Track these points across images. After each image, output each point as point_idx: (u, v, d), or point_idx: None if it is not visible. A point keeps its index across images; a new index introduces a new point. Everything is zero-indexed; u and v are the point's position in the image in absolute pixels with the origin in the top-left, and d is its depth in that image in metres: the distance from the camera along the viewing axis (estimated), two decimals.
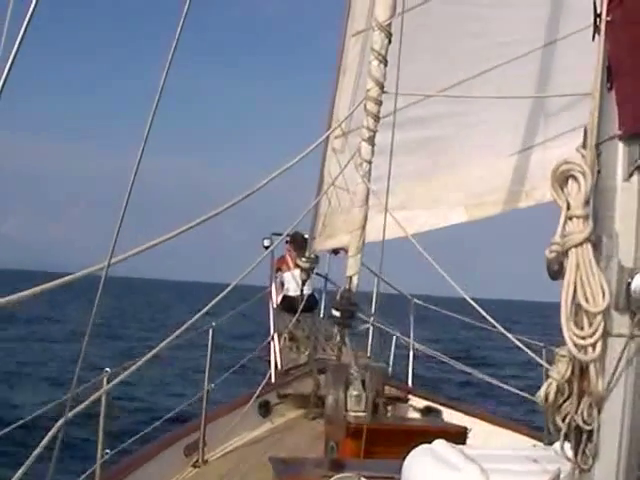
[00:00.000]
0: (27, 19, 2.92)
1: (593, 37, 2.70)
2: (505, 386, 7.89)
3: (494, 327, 5.78)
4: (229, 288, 5.90)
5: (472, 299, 5.87)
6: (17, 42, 2.88)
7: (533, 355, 5.63)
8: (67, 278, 3.91)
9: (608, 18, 2.65)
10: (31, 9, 2.93)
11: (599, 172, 2.65)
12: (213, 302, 5.64)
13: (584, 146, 2.67)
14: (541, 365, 5.46)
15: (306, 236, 11.93)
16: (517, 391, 7.44)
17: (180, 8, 3.71)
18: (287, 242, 13.05)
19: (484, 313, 5.75)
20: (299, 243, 12.49)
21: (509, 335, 5.68)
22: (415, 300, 11.48)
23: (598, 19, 2.68)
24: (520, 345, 5.70)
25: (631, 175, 2.60)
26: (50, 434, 4.06)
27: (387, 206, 6.97)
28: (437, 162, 9.01)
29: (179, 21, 3.66)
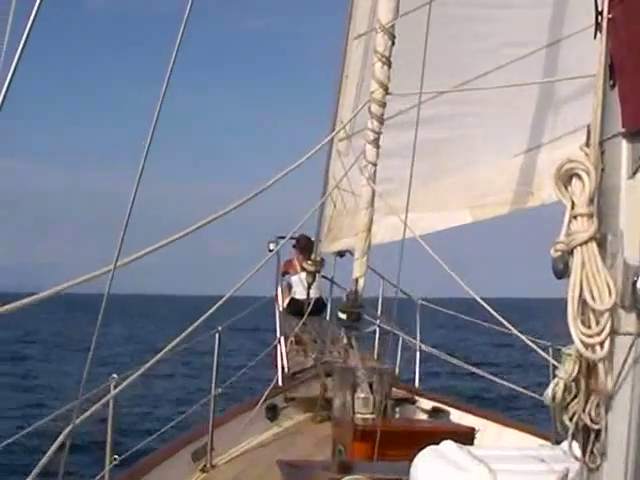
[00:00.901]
0: (27, 32, 2.93)
1: (595, 35, 2.70)
2: (512, 385, 7.86)
3: (504, 327, 5.78)
4: (236, 288, 5.90)
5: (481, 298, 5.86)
6: (17, 54, 2.89)
7: (542, 353, 5.62)
8: (75, 281, 3.92)
9: (609, 16, 2.65)
10: (30, 21, 2.94)
11: (603, 170, 2.64)
12: (220, 303, 5.64)
13: (587, 144, 2.66)
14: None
15: (312, 238, 11.95)
16: (524, 391, 7.42)
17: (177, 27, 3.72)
18: (294, 246, 13.06)
19: (493, 312, 5.75)
20: (304, 245, 12.50)
21: (518, 333, 5.67)
22: (421, 301, 11.48)
23: (600, 17, 2.68)
24: (530, 343, 5.68)
25: (635, 172, 2.60)
26: (58, 441, 4.06)
27: (408, 207, 6.94)
28: (441, 163, 9.01)
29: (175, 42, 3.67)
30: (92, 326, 3.69)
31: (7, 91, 2.87)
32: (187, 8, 3.71)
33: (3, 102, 2.87)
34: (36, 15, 2.96)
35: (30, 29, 2.95)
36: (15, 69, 2.89)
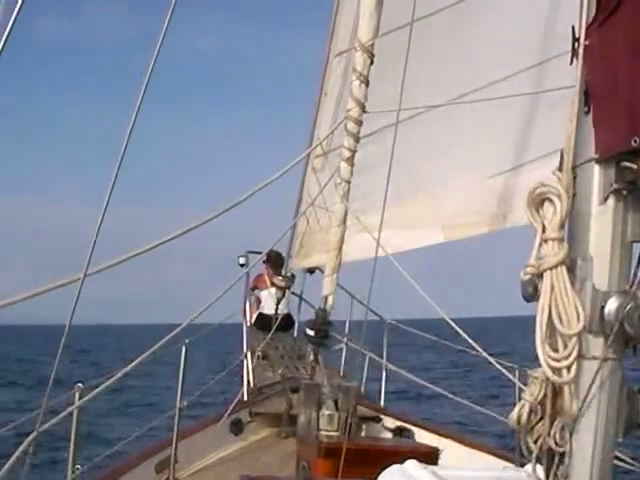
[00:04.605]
0: None
1: (571, 61, 2.73)
2: (476, 407, 7.89)
3: (472, 348, 5.80)
4: (211, 303, 5.87)
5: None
6: None
7: (508, 374, 5.63)
8: (43, 288, 3.90)
9: (586, 43, 2.67)
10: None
11: (575, 195, 2.66)
12: (188, 321, 5.63)
13: (560, 169, 2.68)
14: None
15: (283, 254, 11.95)
16: (490, 412, 7.43)
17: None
18: (264, 261, 13.03)
19: (462, 332, 5.77)
20: (274, 261, 12.51)
21: (485, 354, 5.69)
22: (389, 321, 11.48)
23: (576, 43, 2.70)
24: (496, 365, 5.70)
25: (606, 199, 2.62)
26: (21, 449, 4.04)
27: (381, 225, 6.95)
28: (415, 182, 9.03)
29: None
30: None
31: None
32: (160, 36, 3.71)
33: None
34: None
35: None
36: None
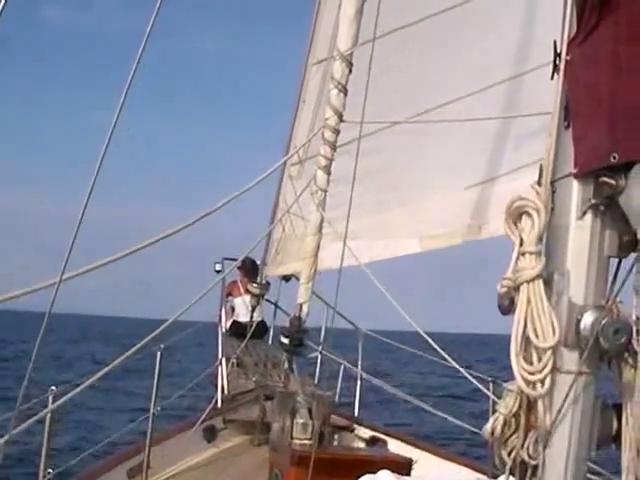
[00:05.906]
0: None
1: (552, 76, 2.73)
2: (451, 418, 7.89)
3: (445, 360, 5.82)
4: (184, 310, 5.87)
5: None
6: None
7: (482, 388, 5.65)
8: (18, 292, 3.88)
9: (567, 58, 2.68)
10: None
11: (553, 209, 2.67)
12: (166, 324, 5.62)
13: (539, 183, 2.69)
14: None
15: (257, 262, 11.96)
16: (464, 424, 7.45)
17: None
18: (239, 267, 13.03)
19: (436, 346, 5.78)
20: (249, 268, 12.52)
21: (459, 368, 5.70)
22: (364, 330, 11.48)
23: (558, 58, 2.71)
24: (470, 378, 5.72)
25: (584, 214, 2.63)
26: None
27: (346, 234, 6.97)
28: (392, 192, 9.06)
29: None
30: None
31: None
32: (147, 31, 3.69)
33: None
34: None
35: None
36: None
